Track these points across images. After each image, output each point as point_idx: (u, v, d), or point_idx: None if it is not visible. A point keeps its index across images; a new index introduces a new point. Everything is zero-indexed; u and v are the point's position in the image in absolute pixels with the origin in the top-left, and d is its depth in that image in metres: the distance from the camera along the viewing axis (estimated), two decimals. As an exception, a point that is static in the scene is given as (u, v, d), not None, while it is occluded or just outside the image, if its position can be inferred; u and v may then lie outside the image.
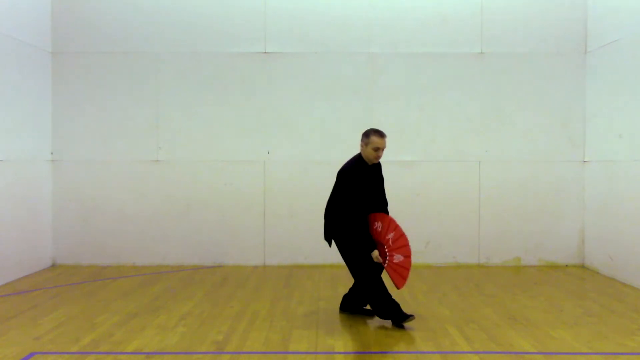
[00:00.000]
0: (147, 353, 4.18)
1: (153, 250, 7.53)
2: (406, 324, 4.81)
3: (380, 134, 4.82)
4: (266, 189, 7.56)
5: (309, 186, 7.47)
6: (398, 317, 4.79)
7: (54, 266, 7.45)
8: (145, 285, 6.38)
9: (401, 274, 4.82)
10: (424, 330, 4.73)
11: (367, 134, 4.85)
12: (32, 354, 4.15)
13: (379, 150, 4.80)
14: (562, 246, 7.54)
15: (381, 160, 5.07)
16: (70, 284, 6.46)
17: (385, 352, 4.28)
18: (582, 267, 7.47)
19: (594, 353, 4.21)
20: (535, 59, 7.55)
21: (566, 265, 7.52)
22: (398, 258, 4.84)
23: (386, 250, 4.87)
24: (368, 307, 5.20)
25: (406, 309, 5.31)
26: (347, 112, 7.48)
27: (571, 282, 6.73)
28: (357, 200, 4.78)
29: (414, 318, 4.83)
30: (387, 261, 4.85)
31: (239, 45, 7.56)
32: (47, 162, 7.44)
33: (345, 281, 6.57)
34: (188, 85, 7.56)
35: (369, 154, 4.84)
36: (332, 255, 7.34)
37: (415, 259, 7.42)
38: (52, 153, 7.52)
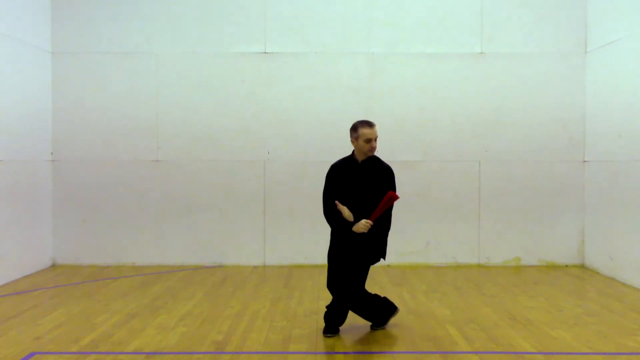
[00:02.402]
0: (147, 353, 4.18)
1: (153, 250, 7.53)
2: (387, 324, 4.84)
3: (368, 123, 4.55)
4: (266, 189, 7.56)
5: (309, 186, 7.46)
6: (384, 318, 4.80)
7: (54, 266, 7.45)
8: (145, 285, 6.38)
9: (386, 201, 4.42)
10: (424, 330, 4.73)
11: (355, 128, 4.55)
12: (32, 354, 4.15)
13: (371, 141, 4.52)
14: (562, 246, 7.54)
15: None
16: (70, 284, 6.46)
17: (385, 352, 4.28)
18: (582, 267, 7.47)
19: (594, 353, 4.21)
20: (535, 59, 7.55)
21: (566, 265, 7.52)
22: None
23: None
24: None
25: (406, 308, 5.32)
26: (347, 112, 7.47)
27: (571, 282, 6.73)
28: (330, 196, 4.57)
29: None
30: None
31: (239, 45, 7.56)
32: (47, 162, 7.44)
33: (345, 281, 6.58)
34: (188, 85, 7.56)
35: (362, 148, 4.55)
36: (332, 255, 7.37)
37: (415, 259, 7.48)
38: (52, 153, 7.52)
